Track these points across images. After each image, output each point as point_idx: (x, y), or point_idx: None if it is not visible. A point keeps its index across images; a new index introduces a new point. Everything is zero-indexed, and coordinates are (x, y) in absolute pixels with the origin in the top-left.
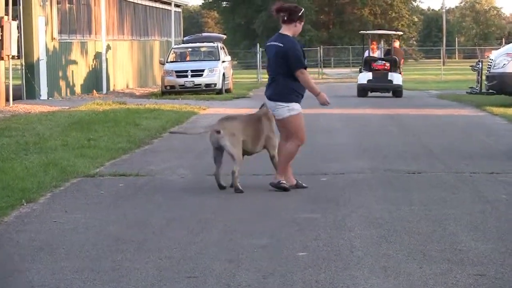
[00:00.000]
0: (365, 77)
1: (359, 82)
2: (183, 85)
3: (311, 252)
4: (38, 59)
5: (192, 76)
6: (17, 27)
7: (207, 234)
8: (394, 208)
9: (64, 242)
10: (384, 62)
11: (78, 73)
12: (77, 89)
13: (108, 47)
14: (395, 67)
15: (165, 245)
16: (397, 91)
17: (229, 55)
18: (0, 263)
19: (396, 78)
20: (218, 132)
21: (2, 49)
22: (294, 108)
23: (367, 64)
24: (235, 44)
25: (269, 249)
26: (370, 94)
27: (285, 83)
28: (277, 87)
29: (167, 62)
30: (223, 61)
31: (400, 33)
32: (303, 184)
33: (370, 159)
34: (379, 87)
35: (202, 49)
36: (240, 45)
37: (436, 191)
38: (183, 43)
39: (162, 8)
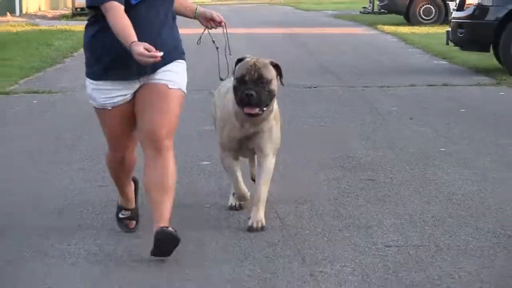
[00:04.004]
0: None
1: None
2: None
3: (214, 161)
4: None
5: None
6: None
7: None
8: (292, 120)
9: None
10: None
11: None
12: None
13: None
14: None
15: (77, 158)
16: None
17: None
18: None
19: None
20: None
21: None
22: (92, 96)
23: None
24: None
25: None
26: None
27: (86, 30)
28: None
29: None
30: None
31: None
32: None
33: None
34: None
35: None
36: None
37: (331, 104)
38: None
39: None
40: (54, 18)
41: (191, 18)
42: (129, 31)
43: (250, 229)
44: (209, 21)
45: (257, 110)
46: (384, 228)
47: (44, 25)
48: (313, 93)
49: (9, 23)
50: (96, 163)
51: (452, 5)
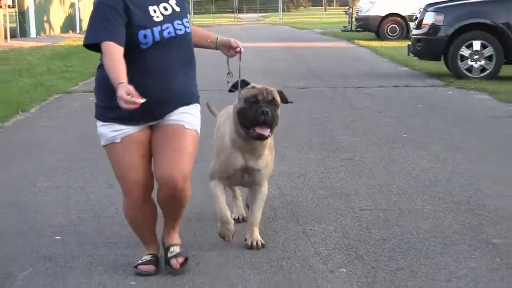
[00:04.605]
0: None
1: None
2: None
3: None
4: (28, 7)
5: None
6: None
7: None
8: (289, 114)
9: (50, 141)
10: None
11: (58, 17)
12: (58, 29)
13: None
14: None
15: None
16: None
17: None
18: (1, 156)
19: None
20: None
21: (1, 0)
22: (102, 133)
23: None
24: None
25: None
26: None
27: (98, 73)
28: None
29: None
30: None
31: None
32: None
33: (271, 79)
34: None
35: None
36: None
37: (318, 101)
38: None
39: None
40: None
41: (212, 49)
42: (120, 71)
43: (251, 248)
44: (229, 50)
45: (268, 132)
46: (360, 196)
47: None
48: (305, 92)
49: (71, 39)
50: None
51: (412, 25)
